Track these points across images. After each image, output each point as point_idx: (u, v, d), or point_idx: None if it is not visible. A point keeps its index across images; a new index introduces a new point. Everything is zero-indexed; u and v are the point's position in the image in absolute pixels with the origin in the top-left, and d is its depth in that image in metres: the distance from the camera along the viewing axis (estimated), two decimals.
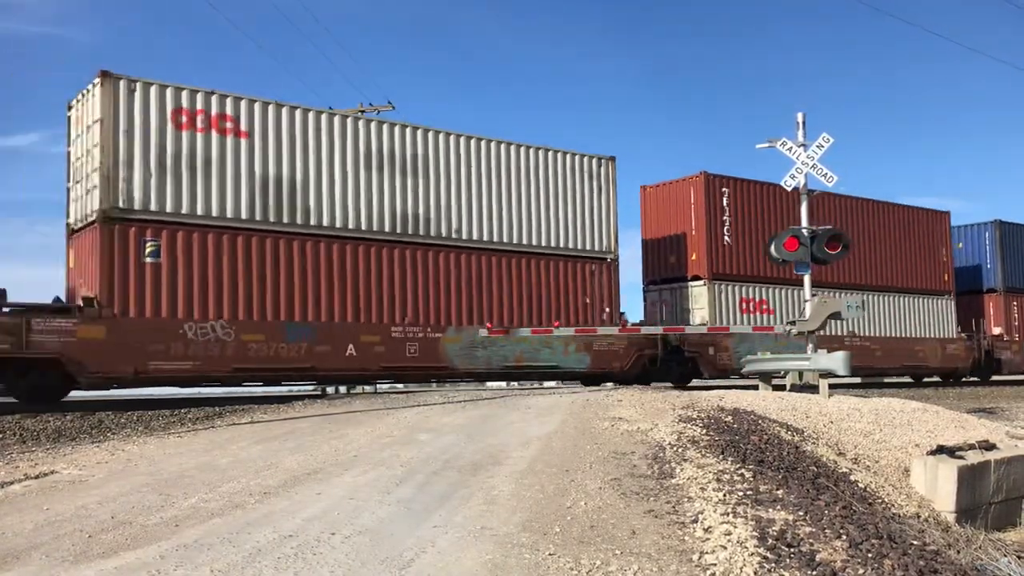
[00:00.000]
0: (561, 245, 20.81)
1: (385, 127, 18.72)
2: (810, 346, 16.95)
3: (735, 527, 6.09)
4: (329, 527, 6.09)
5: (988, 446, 11.25)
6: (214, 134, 16.58)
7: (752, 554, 5.53)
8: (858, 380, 27.69)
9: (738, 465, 8.14)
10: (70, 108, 17.21)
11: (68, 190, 17.00)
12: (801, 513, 6.59)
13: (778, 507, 6.73)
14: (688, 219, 24.13)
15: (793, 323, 17.49)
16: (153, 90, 16.11)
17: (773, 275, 24.25)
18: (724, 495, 7.02)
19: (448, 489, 7.33)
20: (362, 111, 34.95)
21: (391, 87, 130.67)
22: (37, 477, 8.50)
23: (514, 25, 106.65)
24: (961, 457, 10.52)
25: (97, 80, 15.76)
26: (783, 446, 9.64)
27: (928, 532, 7.72)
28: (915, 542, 6.56)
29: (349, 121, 18.35)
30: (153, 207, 15.89)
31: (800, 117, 17.88)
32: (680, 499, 6.97)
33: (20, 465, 9.27)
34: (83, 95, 16.62)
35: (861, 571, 5.45)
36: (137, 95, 15.91)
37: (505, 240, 20.04)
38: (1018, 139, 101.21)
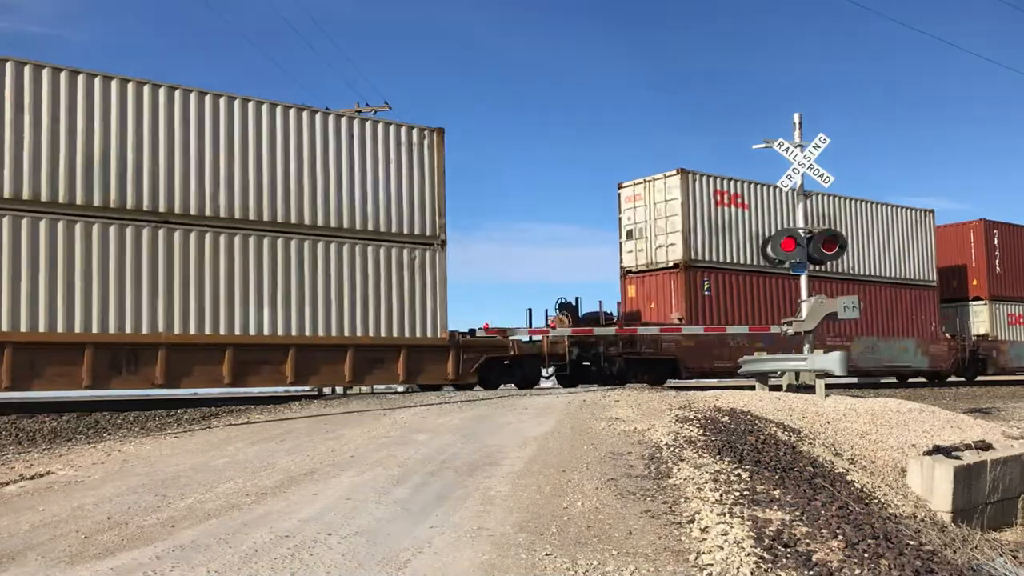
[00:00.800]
0: (908, 276, 28.62)
1: (820, 197, 26.20)
2: (807, 346, 16.96)
3: (732, 527, 6.09)
4: (326, 528, 6.09)
5: (984, 446, 11.26)
6: (732, 207, 24.59)
7: (749, 554, 5.54)
8: None
9: (735, 465, 8.14)
10: (620, 187, 25.20)
11: (621, 244, 25.07)
12: (798, 513, 6.60)
13: (775, 507, 6.73)
14: (968, 254, 31.23)
15: (790, 323, 17.50)
16: (704, 179, 24.11)
17: None
18: (721, 495, 7.02)
19: (445, 490, 7.32)
20: (359, 111, 34.94)
21: (388, 87, 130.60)
22: (33, 478, 8.49)
23: (511, 26, 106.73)
24: (957, 457, 10.53)
25: (673, 172, 23.85)
26: (780, 446, 9.65)
27: (924, 532, 7.73)
28: (911, 542, 6.56)
29: (792, 194, 24.04)
30: (705, 258, 23.81)
31: (797, 118, 17.90)
32: (677, 499, 6.97)
33: (16, 466, 9.26)
34: (646, 181, 24.55)
35: (858, 571, 5.45)
36: (697, 183, 23.94)
37: (875, 274, 27.74)
38: (1005, 138, 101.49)
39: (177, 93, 16.25)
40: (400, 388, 21.89)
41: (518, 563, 5.34)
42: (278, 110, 17.35)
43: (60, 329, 14.64)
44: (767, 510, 6.63)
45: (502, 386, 20.22)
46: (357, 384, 18.59)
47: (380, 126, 18.62)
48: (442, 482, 7.62)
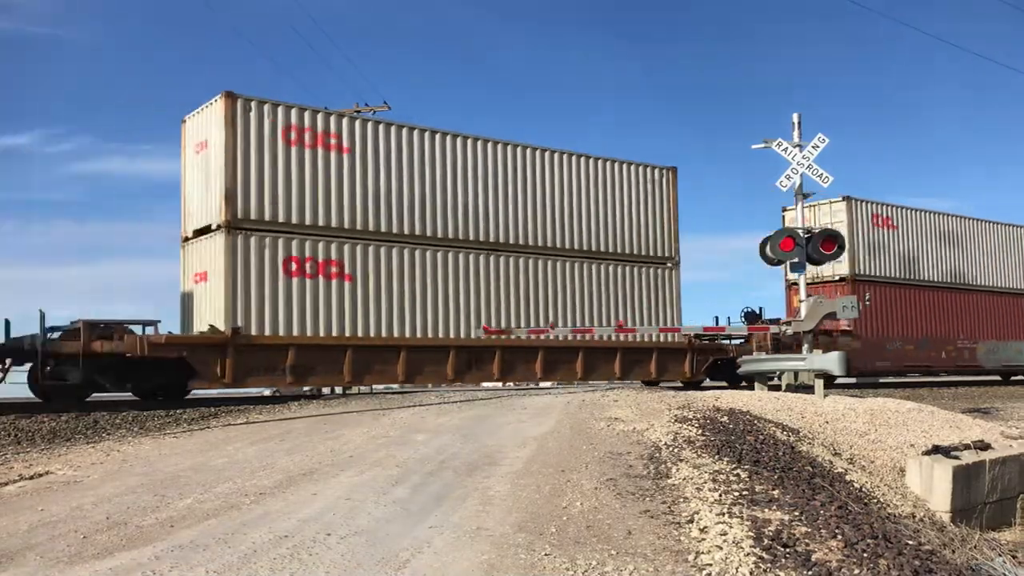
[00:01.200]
0: (1022, 286, 32.22)
1: (950, 218, 30.16)
2: (806, 346, 16.97)
3: (731, 527, 6.09)
4: (325, 528, 6.08)
5: (983, 446, 11.27)
6: (884, 228, 28.11)
7: (748, 554, 5.54)
8: None
9: (734, 465, 8.15)
10: (785, 210, 27.89)
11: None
12: (797, 513, 6.60)
13: (774, 507, 6.74)
14: None
15: (788, 323, 17.50)
16: (864, 204, 27.61)
17: None
18: (720, 495, 7.02)
19: (444, 490, 7.32)
20: (358, 111, 34.97)
21: (387, 87, 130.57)
22: (32, 478, 8.48)
23: (511, 26, 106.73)
24: (956, 457, 10.53)
25: (839, 199, 27.37)
26: (779, 446, 9.65)
27: (923, 532, 7.74)
28: (910, 542, 6.57)
29: (930, 217, 29.69)
30: (865, 272, 27.29)
31: (796, 118, 17.91)
32: (676, 499, 6.97)
33: (15, 466, 9.25)
34: (811, 205, 26.73)
35: (857, 571, 5.46)
36: (858, 208, 27.38)
37: (995, 285, 31.16)
38: (1007, 137, 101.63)
39: (496, 145, 20.40)
40: (396, 387, 21.92)
41: (517, 563, 5.34)
42: (564, 157, 21.54)
43: (430, 335, 18.78)
44: (766, 510, 6.64)
45: (707, 381, 23.39)
46: (623, 379, 21.87)
47: (632, 167, 22.70)
48: (441, 482, 7.62)
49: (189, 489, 7.56)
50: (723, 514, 6.43)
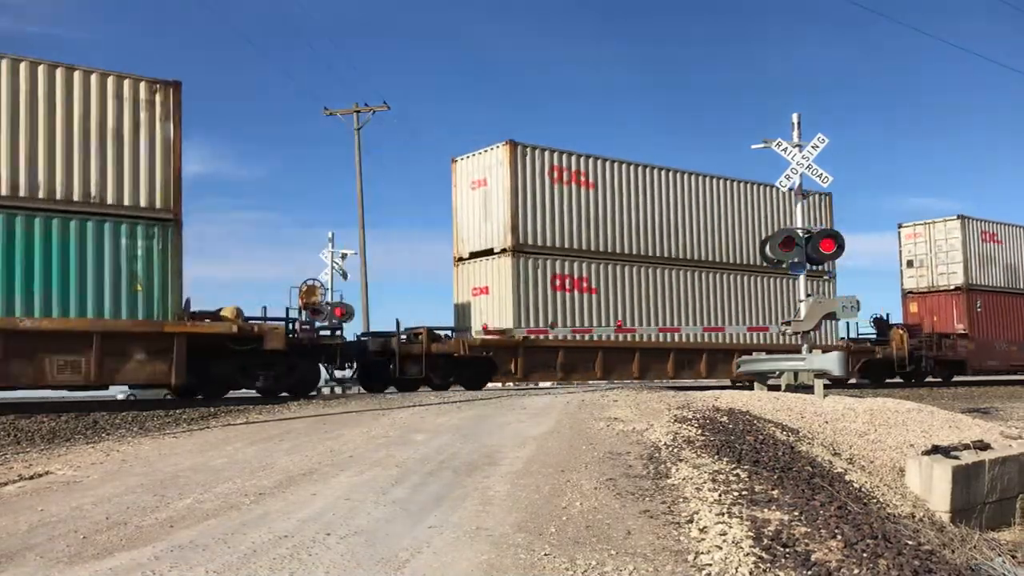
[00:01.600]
0: None
1: None
2: (805, 346, 16.96)
3: (730, 527, 6.09)
4: (324, 528, 6.08)
5: (983, 446, 11.26)
6: (991, 243, 31.03)
7: (747, 554, 5.54)
8: None
9: (733, 465, 8.14)
10: (901, 227, 31.95)
11: (901, 271, 31.67)
12: (796, 513, 6.60)
13: (773, 507, 6.73)
14: None
15: (788, 323, 17.49)
16: (976, 222, 30.75)
17: None
18: (719, 495, 7.02)
19: (444, 490, 7.32)
20: (357, 111, 34.98)
21: (387, 87, 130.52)
22: (32, 478, 8.48)
23: (511, 27, 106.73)
24: (956, 457, 10.53)
25: (953, 218, 30.39)
26: (778, 446, 9.65)
27: (923, 532, 7.73)
28: (910, 542, 6.57)
29: None
30: (978, 282, 30.18)
31: (795, 118, 17.88)
32: (675, 499, 6.97)
33: (14, 466, 9.25)
34: (926, 223, 31.06)
35: (856, 571, 5.45)
36: (971, 225, 30.38)
37: None
38: (1006, 136, 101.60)
39: (700, 178, 24.31)
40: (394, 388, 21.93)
41: (517, 563, 5.34)
42: (746, 186, 25.37)
43: (653, 339, 22.27)
44: (766, 510, 6.63)
45: (853, 380, 25.73)
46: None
47: (766, 188, 25.74)
48: (441, 482, 7.62)
49: (189, 489, 7.56)
50: (723, 514, 6.42)
